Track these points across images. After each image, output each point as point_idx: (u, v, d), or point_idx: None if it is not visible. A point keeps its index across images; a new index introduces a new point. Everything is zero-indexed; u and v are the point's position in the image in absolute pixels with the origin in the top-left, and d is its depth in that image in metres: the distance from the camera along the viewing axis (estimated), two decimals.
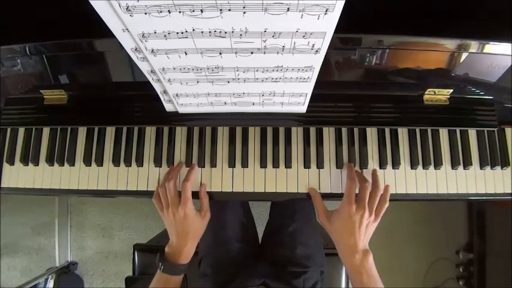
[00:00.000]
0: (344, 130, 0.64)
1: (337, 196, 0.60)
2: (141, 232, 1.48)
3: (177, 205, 0.57)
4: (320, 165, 0.63)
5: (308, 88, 0.50)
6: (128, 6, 0.34)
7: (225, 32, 0.38)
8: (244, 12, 0.35)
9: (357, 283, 0.53)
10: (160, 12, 0.35)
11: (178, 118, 0.60)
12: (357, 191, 0.56)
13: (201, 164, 0.64)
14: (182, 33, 0.38)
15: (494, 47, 0.49)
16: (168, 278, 0.57)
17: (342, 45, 0.50)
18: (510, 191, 0.62)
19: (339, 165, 0.63)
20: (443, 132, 0.64)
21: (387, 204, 0.56)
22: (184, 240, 0.58)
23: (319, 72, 0.46)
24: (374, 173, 0.60)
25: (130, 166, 0.65)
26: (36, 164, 0.66)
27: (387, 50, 0.51)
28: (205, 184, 0.62)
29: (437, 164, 0.62)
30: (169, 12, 0.35)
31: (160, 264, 0.58)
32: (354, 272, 0.54)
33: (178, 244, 0.58)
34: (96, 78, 0.61)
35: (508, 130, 0.64)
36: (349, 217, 0.54)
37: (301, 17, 0.35)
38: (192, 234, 0.59)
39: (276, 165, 0.63)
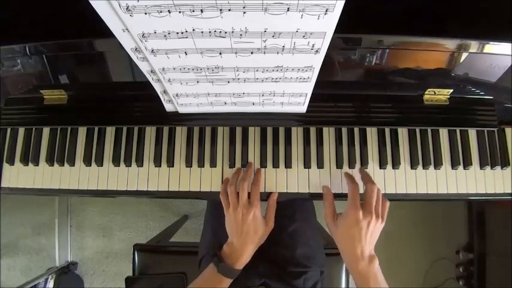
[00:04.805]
0: (344, 130, 0.64)
1: (338, 196, 0.60)
2: (141, 232, 1.48)
3: (247, 206, 0.57)
4: (320, 165, 0.63)
5: (308, 88, 0.50)
6: (127, 6, 0.34)
7: (225, 32, 0.38)
8: (244, 12, 0.35)
9: None
10: (160, 12, 0.35)
11: (178, 118, 0.60)
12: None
13: (201, 164, 0.64)
14: (182, 33, 0.38)
15: (494, 47, 0.49)
16: (221, 279, 0.56)
17: (342, 45, 0.50)
18: (510, 191, 0.62)
19: (339, 165, 0.63)
20: (443, 132, 0.64)
21: (388, 203, 0.56)
22: (248, 244, 0.57)
23: (319, 72, 0.46)
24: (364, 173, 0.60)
25: (131, 166, 0.65)
26: (36, 164, 0.66)
27: (387, 50, 0.51)
28: (277, 193, 0.62)
29: (437, 164, 0.62)
30: (169, 12, 0.35)
31: (218, 264, 0.56)
32: (360, 278, 0.52)
33: (240, 247, 0.57)
34: (96, 78, 0.61)
35: (508, 130, 0.64)
36: (356, 223, 0.52)
37: (301, 17, 0.35)
38: (257, 240, 0.58)
39: (276, 165, 0.63)
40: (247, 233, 0.57)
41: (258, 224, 0.58)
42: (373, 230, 0.53)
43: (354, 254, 0.53)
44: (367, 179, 0.57)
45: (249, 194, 0.59)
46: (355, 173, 0.63)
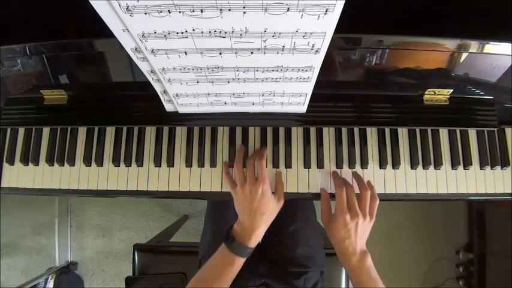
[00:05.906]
0: (344, 130, 0.64)
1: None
2: (141, 232, 1.48)
3: (255, 182, 0.56)
4: (320, 165, 0.63)
5: (308, 88, 0.50)
6: (127, 6, 0.34)
7: (225, 32, 0.38)
8: (244, 12, 0.35)
9: (356, 283, 0.54)
10: (160, 12, 0.35)
11: (178, 118, 0.60)
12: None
13: (201, 164, 0.64)
14: (182, 33, 0.38)
15: (494, 47, 0.49)
16: (233, 259, 0.55)
17: (342, 45, 0.50)
18: (510, 191, 0.62)
19: (339, 165, 0.63)
20: (443, 132, 0.64)
21: (378, 201, 0.57)
22: (258, 221, 0.55)
23: (319, 72, 0.46)
24: (355, 175, 0.61)
25: (131, 166, 0.65)
26: (36, 164, 0.66)
27: (387, 50, 0.51)
28: (281, 172, 0.62)
29: (437, 164, 0.62)
30: (169, 12, 0.35)
31: (230, 242, 0.55)
32: (353, 272, 0.55)
33: (250, 224, 0.56)
34: (96, 78, 0.61)
35: (508, 130, 0.64)
36: (344, 226, 0.54)
37: (301, 17, 0.35)
38: (267, 217, 0.57)
39: (276, 165, 0.63)
40: (258, 209, 0.56)
41: (268, 200, 0.56)
42: (362, 229, 0.55)
43: (347, 252, 0.55)
44: (344, 183, 0.59)
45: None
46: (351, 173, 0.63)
